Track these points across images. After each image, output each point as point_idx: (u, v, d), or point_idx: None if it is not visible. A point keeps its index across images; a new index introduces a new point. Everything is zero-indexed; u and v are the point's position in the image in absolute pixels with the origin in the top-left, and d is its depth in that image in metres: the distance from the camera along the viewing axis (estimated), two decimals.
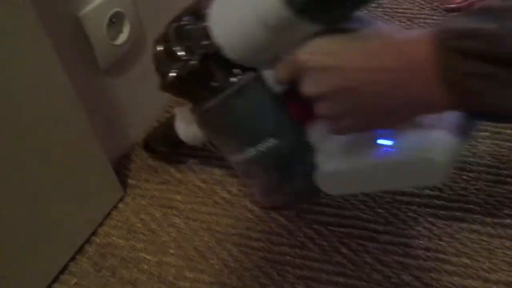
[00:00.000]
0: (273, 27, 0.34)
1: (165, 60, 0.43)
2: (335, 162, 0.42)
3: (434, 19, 0.91)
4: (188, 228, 0.63)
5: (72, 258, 0.61)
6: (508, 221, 0.58)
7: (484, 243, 0.57)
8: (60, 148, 0.53)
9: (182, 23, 0.42)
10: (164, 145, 0.68)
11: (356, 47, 0.34)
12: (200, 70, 0.40)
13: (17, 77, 0.44)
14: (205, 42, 0.39)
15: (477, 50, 0.29)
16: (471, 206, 0.60)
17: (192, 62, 0.40)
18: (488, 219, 0.58)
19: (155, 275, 0.59)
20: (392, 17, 0.92)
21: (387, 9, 0.94)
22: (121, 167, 0.70)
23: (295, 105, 0.41)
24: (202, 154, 0.71)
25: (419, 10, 0.94)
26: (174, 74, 0.42)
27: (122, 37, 0.62)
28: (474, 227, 0.58)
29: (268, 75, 0.40)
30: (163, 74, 0.43)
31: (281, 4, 0.32)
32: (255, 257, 0.59)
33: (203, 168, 0.69)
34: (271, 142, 0.42)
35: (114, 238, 0.63)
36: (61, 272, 0.59)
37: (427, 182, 0.44)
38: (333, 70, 0.34)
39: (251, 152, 0.43)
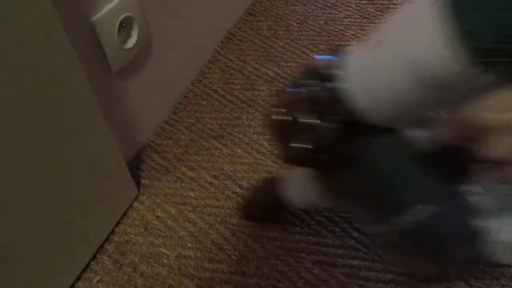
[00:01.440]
0: (437, 83, 0.29)
1: (292, 131, 0.38)
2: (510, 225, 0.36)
3: None
4: (204, 222, 0.65)
5: (93, 258, 0.62)
6: None
7: None
8: (80, 150, 0.54)
9: (305, 88, 0.37)
10: (265, 211, 0.63)
11: None
12: (337, 139, 0.35)
13: (41, 78, 0.45)
14: (340, 108, 0.34)
15: None
16: None
17: (329, 132, 0.35)
18: None
19: (175, 268, 0.61)
20: (384, 13, 0.95)
21: (378, 5, 0.97)
22: (133, 168, 0.72)
23: (449, 166, 0.36)
24: (211, 153, 0.74)
25: None
26: (310, 147, 0.36)
27: (131, 41, 0.64)
28: None
29: (415, 135, 0.36)
30: (287, 145, 0.38)
31: (454, 56, 0.27)
32: (271, 246, 0.62)
33: (213, 165, 0.72)
34: (420, 209, 0.36)
35: (132, 235, 0.65)
36: (84, 271, 0.61)
37: None
38: None
39: (396, 221, 0.37)
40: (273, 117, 0.39)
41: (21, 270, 0.52)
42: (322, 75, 0.35)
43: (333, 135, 0.35)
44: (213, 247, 0.62)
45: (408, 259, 0.45)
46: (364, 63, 0.33)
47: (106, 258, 0.63)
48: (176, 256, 0.62)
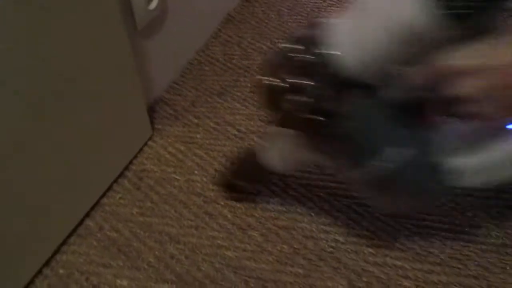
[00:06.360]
0: (413, 39, 0.34)
1: (283, 94, 0.41)
2: (472, 157, 0.41)
3: None
4: (208, 156, 0.78)
5: (115, 181, 0.75)
6: None
7: None
8: (113, 91, 0.66)
9: (292, 54, 0.41)
10: (246, 180, 0.69)
11: (503, 48, 0.35)
12: (326, 99, 0.39)
13: (91, 27, 0.57)
14: (328, 69, 0.38)
15: None
16: None
17: (319, 93, 0.39)
18: None
19: (185, 189, 0.73)
20: None
21: None
22: (148, 116, 0.85)
23: (418, 113, 0.41)
24: (216, 105, 0.87)
25: None
26: (303, 109, 0.40)
27: (153, 4, 0.77)
28: None
29: (391, 89, 0.40)
30: (279, 108, 0.42)
31: (427, 14, 0.31)
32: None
33: (216, 115, 0.85)
34: (393, 152, 0.41)
35: (147, 165, 0.77)
36: (107, 190, 0.73)
37: None
38: (489, 70, 0.35)
39: (372, 165, 0.41)
40: (264, 81, 0.43)
41: (58, 179, 0.63)
42: (309, 42, 0.39)
43: (323, 95, 0.39)
44: (216, 174, 0.75)
45: (384, 198, 0.49)
46: (349, 28, 0.37)
47: (126, 182, 0.75)
48: (185, 180, 0.75)
